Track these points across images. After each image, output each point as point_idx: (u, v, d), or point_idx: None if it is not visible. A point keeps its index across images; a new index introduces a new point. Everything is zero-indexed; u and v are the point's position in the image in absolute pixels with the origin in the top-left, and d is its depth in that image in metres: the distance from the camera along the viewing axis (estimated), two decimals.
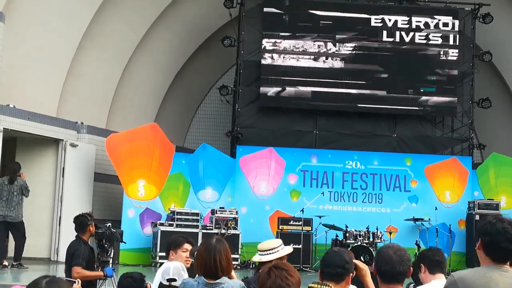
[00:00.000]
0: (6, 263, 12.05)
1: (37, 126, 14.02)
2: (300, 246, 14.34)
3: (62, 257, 13.92)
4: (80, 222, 6.98)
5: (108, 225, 7.29)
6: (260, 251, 4.94)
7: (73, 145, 14.65)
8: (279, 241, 5.01)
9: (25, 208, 12.60)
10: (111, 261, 7.24)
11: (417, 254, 14.05)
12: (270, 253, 4.88)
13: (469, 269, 3.48)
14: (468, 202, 15.89)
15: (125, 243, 11.86)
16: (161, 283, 5.17)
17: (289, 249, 4.96)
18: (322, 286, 3.68)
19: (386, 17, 16.97)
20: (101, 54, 16.38)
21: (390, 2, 17.70)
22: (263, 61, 16.55)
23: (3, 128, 13.11)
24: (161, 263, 12.67)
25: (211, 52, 19.48)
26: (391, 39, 16.95)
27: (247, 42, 16.91)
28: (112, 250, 7.31)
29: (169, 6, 17.35)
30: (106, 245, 7.20)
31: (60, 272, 12.16)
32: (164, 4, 17.27)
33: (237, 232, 14.34)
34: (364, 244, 14.02)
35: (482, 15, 17.32)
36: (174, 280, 5.04)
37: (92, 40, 15.79)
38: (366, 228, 14.37)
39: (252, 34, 16.87)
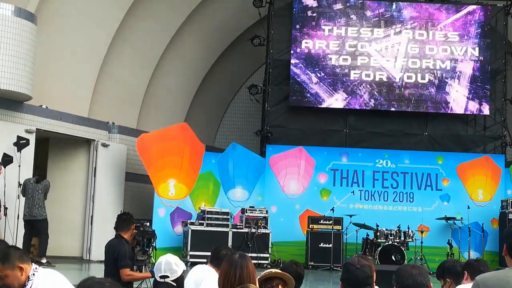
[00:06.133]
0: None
1: (69, 127, 14.18)
2: (330, 245, 14.30)
3: (94, 256, 14.14)
4: (127, 219, 6.86)
5: (148, 224, 7.30)
6: None
7: (104, 145, 14.79)
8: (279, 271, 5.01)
9: (55, 208, 12.74)
10: (154, 261, 7.15)
11: (448, 255, 13.96)
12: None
13: (492, 272, 3.48)
14: (501, 200, 15.69)
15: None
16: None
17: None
18: None
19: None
20: (132, 54, 16.50)
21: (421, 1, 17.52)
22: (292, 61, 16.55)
23: (36, 128, 13.29)
24: (192, 262, 12.74)
25: (241, 52, 19.50)
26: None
27: (276, 41, 16.90)
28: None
29: (198, 6, 17.41)
30: (153, 244, 7.15)
31: (92, 270, 12.30)
32: (193, 4, 17.33)
33: (267, 231, 14.36)
34: (396, 244, 13.93)
35: None
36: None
37: (122, 40, 15.91)
38: (397, 227, 14.28)
39: (282, 33, 16.86)
